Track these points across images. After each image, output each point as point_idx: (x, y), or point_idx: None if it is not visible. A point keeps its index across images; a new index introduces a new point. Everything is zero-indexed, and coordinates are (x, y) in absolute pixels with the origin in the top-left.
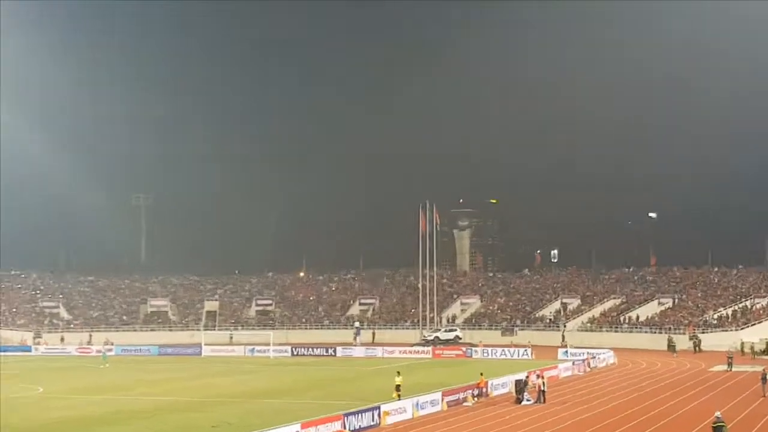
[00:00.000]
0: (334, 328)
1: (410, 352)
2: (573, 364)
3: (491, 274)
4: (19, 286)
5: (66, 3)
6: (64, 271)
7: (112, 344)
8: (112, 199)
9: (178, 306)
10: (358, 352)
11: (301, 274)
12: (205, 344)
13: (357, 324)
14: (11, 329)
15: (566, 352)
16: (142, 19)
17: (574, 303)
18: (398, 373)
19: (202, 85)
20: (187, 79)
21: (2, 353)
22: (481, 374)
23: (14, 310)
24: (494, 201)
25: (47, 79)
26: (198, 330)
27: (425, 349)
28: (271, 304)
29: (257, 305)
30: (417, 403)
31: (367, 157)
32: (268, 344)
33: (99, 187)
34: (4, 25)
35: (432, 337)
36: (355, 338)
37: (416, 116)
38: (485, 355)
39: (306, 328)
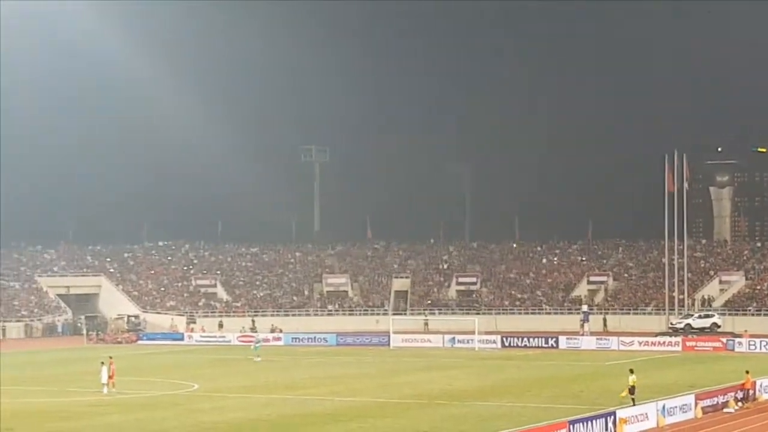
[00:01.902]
0: (555, 313)
1: (654, 343)
2: None
3: (759, 244)
4: (169, 259)
5: None
6: (222, 241)
7: (281, 331)
8: (278, 154)
9: (360, 284)
10: (587, 343)
11: (513, 244)
12: (394, 332)
13: (584, 308)
14: (159, 312)
15: None
16: None
17: None
18: (631, 371)
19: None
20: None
21: (149, 341)
22: (747, 372)
23: (163, 289)
24: (763, 150)
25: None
26: (385, 314)
27: (673, 340)
28: (475, 283)
29: (458, 283)
30: (663, 409)
31: (595, 96)
32: (472, 333)
33: (262, 141)
34: None
35: (682, 325)
36: (582, 326)
37: (659, 42)
38: (752, 348)
39: (519, 313)
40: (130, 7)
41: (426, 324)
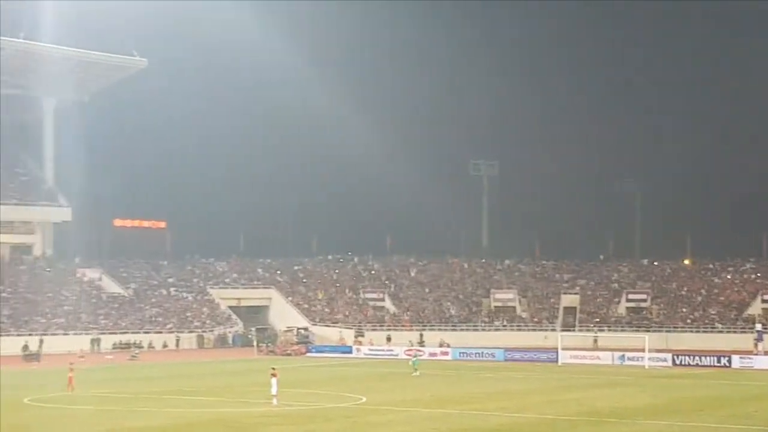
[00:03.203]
0: (728, 332)
1: None
2: None
3: None
4: (338, 272)
5: None
6: (390, 254)
7: (448, 345)
8: (446, 167)
9: (528, 300)
10: (761, 363)
11: (686, 261)
12: (563, 348)
13: (758, 327)
14: (328, 325)
15: None
16: None
17: None
18: None
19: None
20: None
21: (318, 354)
22: None
23: (332, 302)
24: None
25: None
26: (553, 330)
27: None
28: (645, 300)
29: (628, 300)
30: None
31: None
32: (642, 350)
33: (431, 155)
34: None
35: None
36: (755, 345)
37: None
38: None
39: (691, 331)
40: (302, 17)
41: (595, 341)
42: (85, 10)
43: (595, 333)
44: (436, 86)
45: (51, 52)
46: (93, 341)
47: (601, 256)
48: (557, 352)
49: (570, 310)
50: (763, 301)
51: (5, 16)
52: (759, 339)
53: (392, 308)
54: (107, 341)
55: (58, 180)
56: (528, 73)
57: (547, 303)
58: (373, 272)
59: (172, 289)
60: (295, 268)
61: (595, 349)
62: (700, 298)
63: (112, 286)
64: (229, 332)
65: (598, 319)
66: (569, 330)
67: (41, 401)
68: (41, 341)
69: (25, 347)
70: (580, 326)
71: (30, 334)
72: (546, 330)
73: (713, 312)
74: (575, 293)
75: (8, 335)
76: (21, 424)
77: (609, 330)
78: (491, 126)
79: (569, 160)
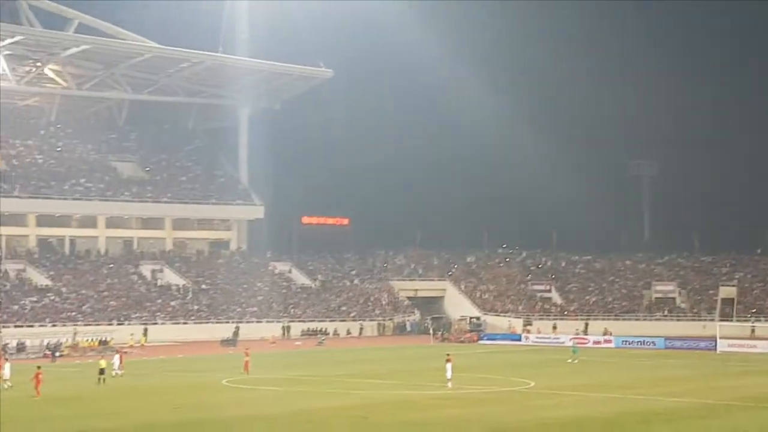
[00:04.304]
0: None
1: None
2: None
3: None
4: (507, 265)
5: None
6: (557, 249)
7: (611, 334)
8: (607, 168)
9: (687, 292)
10: None
11: None
12: (721, 337)
13: None
14: (498, 314)
15: None
16: None
17: None
18: None
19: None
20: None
21: (489, 341)
22: None
23: (502, 292)
24: None
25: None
26: (711, 320)
27: None
28: None
29: None
30: None
31: None
32: None
33: (593, 155)
34: None
35: None
36: None
37: None
38: None
39: None
40: (472, 27)
41: (752, 330)
42: (276, 25)
43: (752, 323)
44: (600, 90)
45: (246, 64)
46: (284, 328)
47: (759, 250)
48: (715, 341)
49: (728, 302)
50: None
51: (205, 31)
52: None
53: (558, 300)
54: (296, 328)
55: (252, 181)
56: (684, 74)
57: (706, 294)
58: (540, 266)
59: (355, 280)
60: (468, 260)
61: (753, 338)
62: None
63: (300, 278)
64: (407, 320)
65: (755, 310)
66: (727, 320)
67: (237, 383)
68: (237, 328)
69: (236, 332)
70: (738, 317)
71: (227, 322)
72: (704, 320)
73: None
74: (733, 285)
75: (207, 323)
76: (221, 402)
77: (765, 320)
78: (650, 127)
79: (727, 157)
